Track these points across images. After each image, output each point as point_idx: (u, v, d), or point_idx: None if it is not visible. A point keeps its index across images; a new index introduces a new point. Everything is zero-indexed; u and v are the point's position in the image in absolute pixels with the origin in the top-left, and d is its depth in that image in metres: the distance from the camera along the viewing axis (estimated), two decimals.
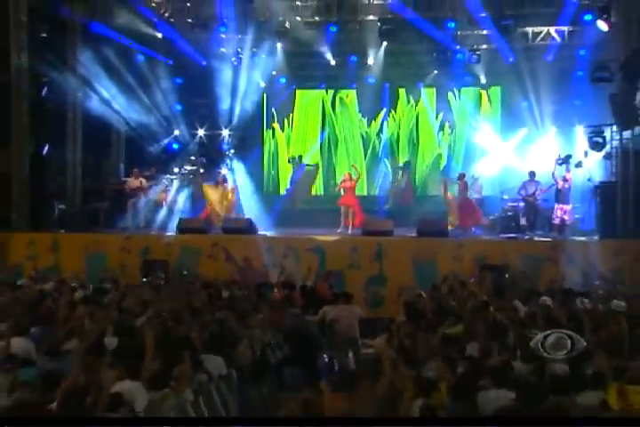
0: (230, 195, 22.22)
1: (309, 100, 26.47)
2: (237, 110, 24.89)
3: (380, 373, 9.16)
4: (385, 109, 25.59)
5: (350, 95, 26.27)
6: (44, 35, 21.52)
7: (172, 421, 8.38)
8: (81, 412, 8.16)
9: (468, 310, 13.17)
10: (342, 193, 21.87)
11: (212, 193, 22.11)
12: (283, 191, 26.15)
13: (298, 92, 26.36)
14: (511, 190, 21.51)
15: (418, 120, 25.87)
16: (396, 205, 23.74)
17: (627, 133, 18.92)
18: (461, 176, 21.55)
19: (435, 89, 25.32)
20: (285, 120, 26.80)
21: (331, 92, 26.18)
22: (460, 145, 25.28)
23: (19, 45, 20.57)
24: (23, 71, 20.70)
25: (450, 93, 25.33)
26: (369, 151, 26.09)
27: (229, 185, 22.40)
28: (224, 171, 23.59)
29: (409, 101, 25.90)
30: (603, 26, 19.85)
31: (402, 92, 25.50)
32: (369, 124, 26.12)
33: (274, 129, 26.87)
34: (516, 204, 20.85)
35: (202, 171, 23.97)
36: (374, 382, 8.78)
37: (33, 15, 20.83)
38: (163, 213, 21.77)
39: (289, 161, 26.00)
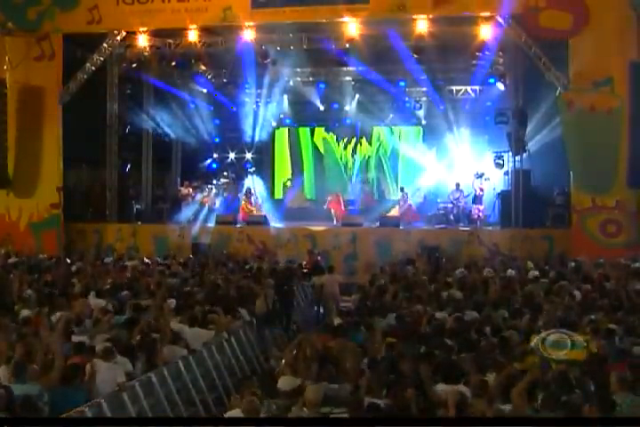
0: (254, 203, 22.29)
1: (306, 135, 25.99)
2: (256, 141, 24.67)
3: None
4: (355, 140, 25.38)
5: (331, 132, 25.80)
6: (128, 91, 21.70)
7: (173, 421, 6.84)
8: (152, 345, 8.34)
9: (412, 281, 13.34)
10: (330, 199, 22.21)
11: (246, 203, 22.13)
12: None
13: (299, 129, 26.05)
14: (443, 196, 21.55)
15: (380, 148, 25.56)
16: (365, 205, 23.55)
17: (518, 158, 19.10)
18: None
19: (391, 127, 25.19)
20: (288, 147, 26.27)
21: (320, 129, 25.87)
22: (408, 165, 24.99)
23: (112, 98, 20.88)
24: (114, 115, 20.96)
25: (401, 130, 25.24)
26: (346, 169, 25.68)
27: (254, 196, 22.52)
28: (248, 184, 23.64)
29: (375, 135, 25.45)
30: (501, 86, 20.21)
31: (369, 128, 25.16)
32: (345, 149, 25.69)
33: (282, 153, 26.42)
34: (446, 205, 20.88)
35: (232, 182, 23.95)
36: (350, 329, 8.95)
37: (121, 78, 21.10)
38: (205, 211, 21.62)
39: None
